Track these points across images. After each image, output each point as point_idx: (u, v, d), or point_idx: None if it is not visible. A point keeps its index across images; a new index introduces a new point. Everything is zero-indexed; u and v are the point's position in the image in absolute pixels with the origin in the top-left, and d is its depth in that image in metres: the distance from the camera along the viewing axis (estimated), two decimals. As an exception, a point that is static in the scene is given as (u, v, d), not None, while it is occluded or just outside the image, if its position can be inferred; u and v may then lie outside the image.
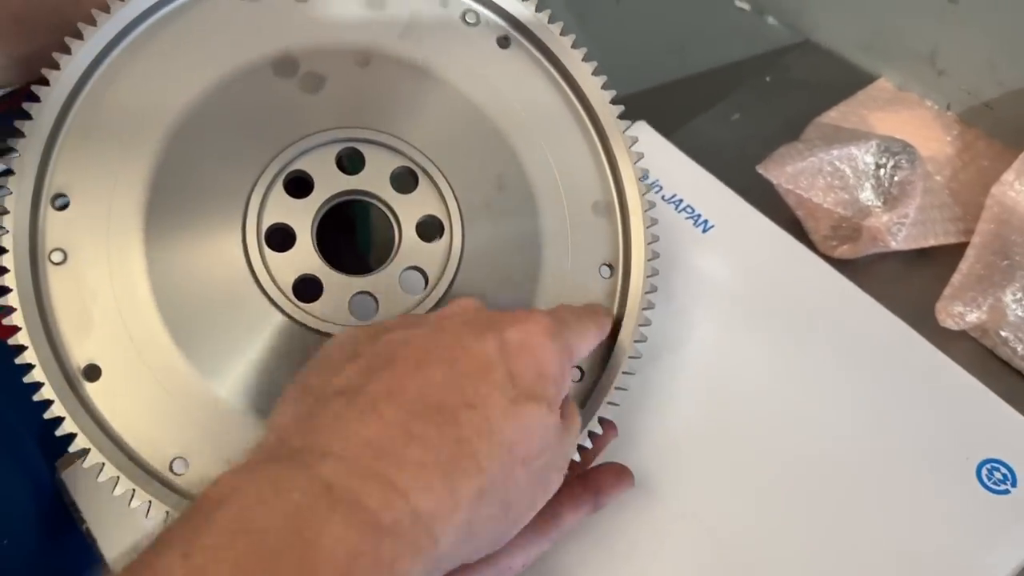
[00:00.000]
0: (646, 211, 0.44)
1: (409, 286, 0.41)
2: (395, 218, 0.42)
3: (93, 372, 0.37)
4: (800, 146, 0.61)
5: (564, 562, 0.44)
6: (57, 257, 0.37)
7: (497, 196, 0.42)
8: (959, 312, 0.56)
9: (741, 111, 0.73)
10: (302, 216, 0.40)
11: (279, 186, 0.40)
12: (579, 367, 0.42)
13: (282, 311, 0.39)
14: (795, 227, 0.61)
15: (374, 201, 0.42)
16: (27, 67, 0.47)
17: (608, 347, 0.42)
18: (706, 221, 0.58)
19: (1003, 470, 0.47)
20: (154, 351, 0.37)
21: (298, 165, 0.40)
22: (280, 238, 0.40)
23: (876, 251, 0.59)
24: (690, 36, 0.87)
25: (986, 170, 0.66)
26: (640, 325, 0.43)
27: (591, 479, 0.43)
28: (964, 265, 0.58)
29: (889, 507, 0.46)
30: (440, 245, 0.41)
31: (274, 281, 0.39)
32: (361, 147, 0.41)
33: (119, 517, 0.48)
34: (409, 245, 0.41)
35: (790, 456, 0.48)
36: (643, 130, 0.62)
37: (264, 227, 0.39)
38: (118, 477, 0.36)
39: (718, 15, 0.82)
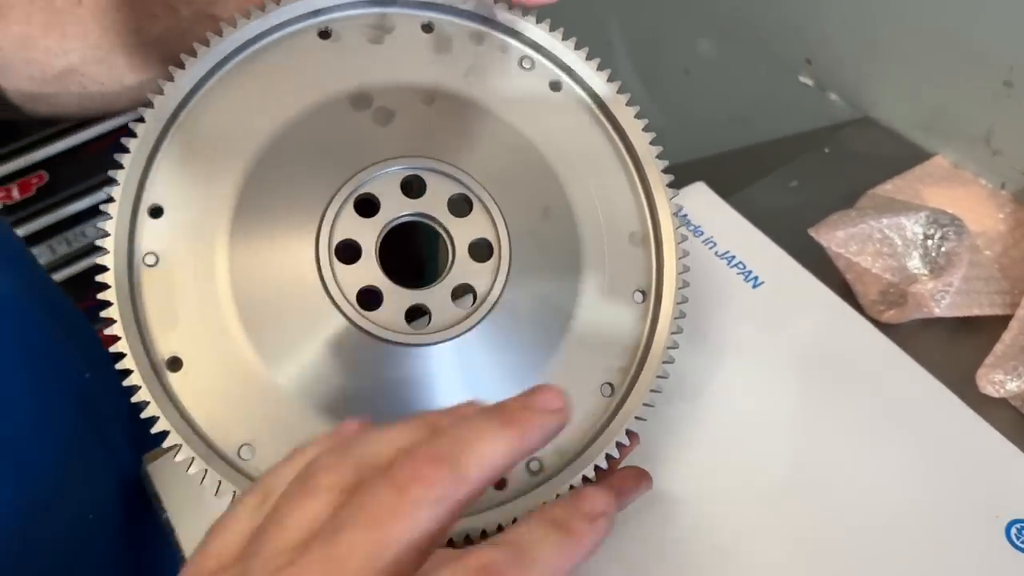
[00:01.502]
0: (679, 243, 0.48)
1: (459, 301, 0.45)
2: (450, 239, 0.46)
3: (175, 363, 0.41)
4: (852, 213, 0.64)
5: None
6: (150, 260, 0.41)
7: (542, 224, 0.47)
8: (1000, 380, 0.58)
9: (799, 179, 0.76)
10: (368, 233, 0.44)
11: (350, 206, 0.44)
12: (609, 383, 0.46)
13: (345, 316, 0.43)
14: (844, 290, 0.64)
15: (432, 223, 0.46)
16: (140, 93, 0.54)
17: (639, 365, 0.46)
18: (756, 277, 0.61)
19: (1033, 531, 0.49)
20: (229, 346, 0.42)
21: (367, 188, 0.44)
22: (348, 252, 0.44)
23: (921, 316, 0.61)
24: (754, 108, 0.92)
25: (1037, 248, 0.68)
26: (668, 348, 0.46)
27: (612, 481, 0.46)
28: (1007, 336, 0.60)
29: (919, 561, 0.48)
30: (489, 266, 0.45)
31: (340, 289, 0.43)
32: (423, 174, 0.45)
33: (196, 509, 0.52)
34: (461, 264, 0.45)
35: (819, 506, 0.50)
36: (701, 190, 0.66)
37: (335, 241, 0.43)
38: (192, 458, 0.40)
39: (782, 89, 0.87)
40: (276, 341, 0.42)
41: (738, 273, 0.61)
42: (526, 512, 0.42)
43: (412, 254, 0.51)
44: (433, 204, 0.46)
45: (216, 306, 0.42)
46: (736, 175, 0.81)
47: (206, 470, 0.40)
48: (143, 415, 0.40)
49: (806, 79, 0.85)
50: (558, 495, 0.43)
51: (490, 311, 0.45)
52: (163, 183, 0.42)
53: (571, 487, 0.43)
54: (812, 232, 0.63)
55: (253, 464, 0.41)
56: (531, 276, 0.46)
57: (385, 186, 0.45)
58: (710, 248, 0.63)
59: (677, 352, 0.47)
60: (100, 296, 0.40)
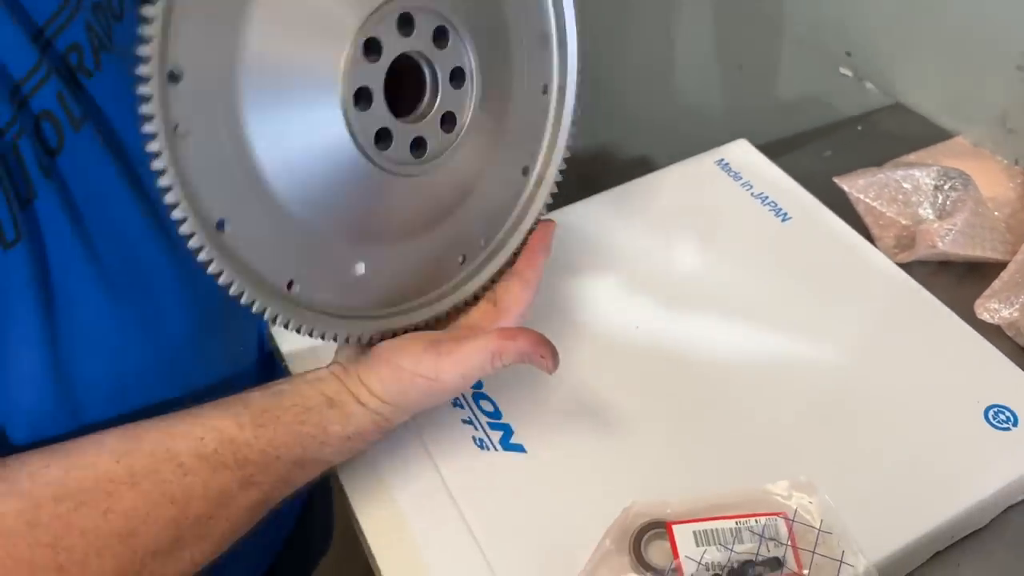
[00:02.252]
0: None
1: (446, 127, 0.51)
2: (434, 70, 0.50)
3: (222, 224, 0.44)
4: (873, 168, 0.74)
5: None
6: (182, 130, 0.41)
7: (490, 45, 0.52)
8: (994, 308, 0.67)
9: (832, 150, 0.86)
10: (376, 76, 0.46)
11: (360, 51, 0.45)
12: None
13: (370, 160, 0.47)
14: (864, 235, 0.73)
15: (421, 58, 0.49)
16: None
17: (548, 152, 0.57)
18: (785, 213, 0.71)
19: (1007, 413, 0.58)
20: (269, 204, 0.45)
21: (372, 33, 0.46)
22: (363, 97, 0.46)
23: (928, 255, 0.70)
24: (799, 98, 1.02)
25: (1042, 212, 0.76)
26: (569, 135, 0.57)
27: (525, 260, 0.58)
28: (1006, 273, 0.69)
29: (918, 440, 0.57)
30: (463, 91, 0.51)
31: (363, 135, 0.46)
32: (412, 12, 0.48)
33: (310, 359, 0.64)
34: (445, 93, 0.51)
35: (826, 396, 0.60)
36: (742, 145, 0.77)
37: (352, 90, 0.45)
38: (254, 300, 0.46)
39: (824, 80, 0.97)
40: (307, 187, 0.46)
41: (769, 210, 0.72)
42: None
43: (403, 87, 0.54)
44: (421, 39, 0.48)
45: (249, 166, 0.44)
46: (776, 145, 0.91)
47: (266, 308, 0.46)
48: (208, 271, 0.44)
49: (846, 70, 0.95)
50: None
51: (465, 132, 0.52)
52: (178, 48, 0.40)
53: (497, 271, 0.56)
54: (836, 179, 0.73)
55: (300, 295, 0.48)
56: (490, 95, 0.53)
57: (385, 27, 0.46)
58: (747, 190, 0.73)
59: (708, 264, 0.57)
60: (152, 165, 0.41)
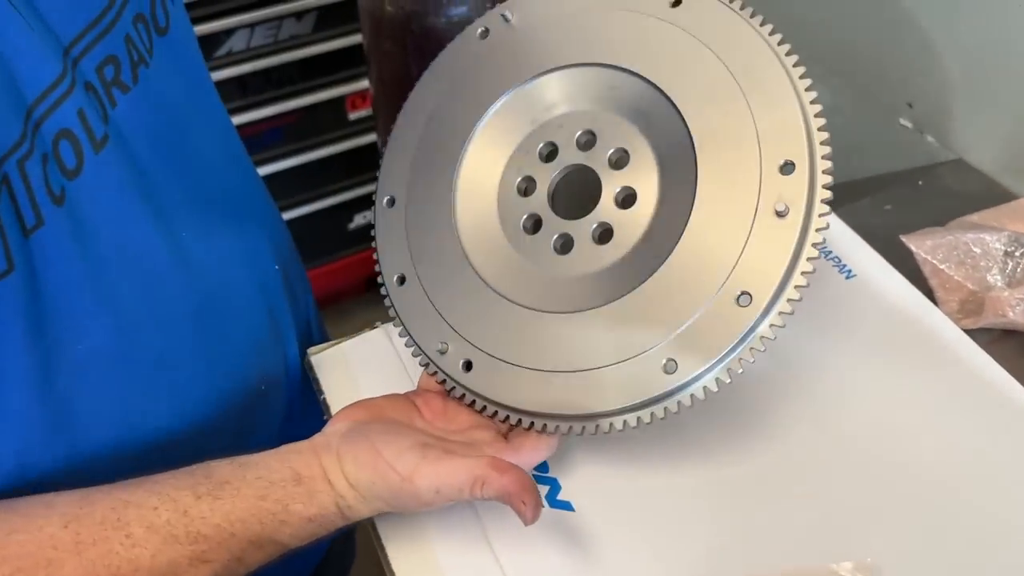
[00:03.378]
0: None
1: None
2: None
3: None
4: (941, 229, 0.72)
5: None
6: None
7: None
8: (1066, 384, 0.64)
9: (893, 204, 0.83)
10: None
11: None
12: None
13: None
14: (928, 297, 0.71)
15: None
16: None
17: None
18: (850, 270, 0.68)
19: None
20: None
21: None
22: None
23: (996, 323, 0.67)
24: (856, 146, 0.99)
25: (1112, 284, 0.73)
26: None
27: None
28: (1076, 348, 0.66)
29: (981, 509, 0.54)
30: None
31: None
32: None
33: (348, 393, 0.62)
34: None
35: (883, 458, 0.57)
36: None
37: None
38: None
39: (884, 130, 0.94)
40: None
41: (833, 266, 0.69)
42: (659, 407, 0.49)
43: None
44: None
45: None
46: (835, 198, 0.88)
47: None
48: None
49: (906, 121, 0.92)
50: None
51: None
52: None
53: (703, 388, 0.48)
54: (903, 238, 0.70)
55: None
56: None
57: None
58: (809, 243, 0.70)
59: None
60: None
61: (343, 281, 1.86)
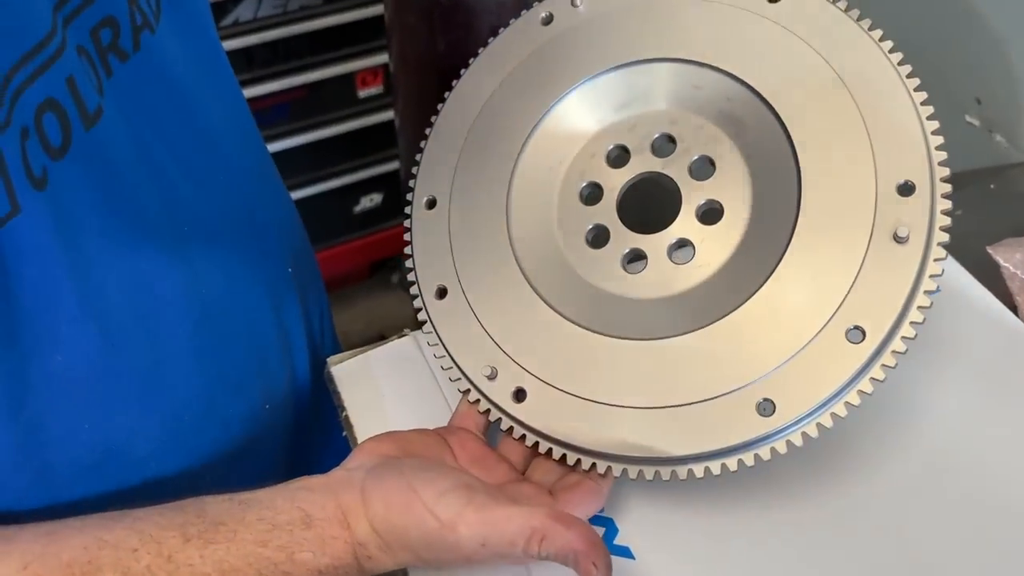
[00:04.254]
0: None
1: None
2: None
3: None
4: (1028, 240, 0.65)
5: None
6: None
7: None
8: None
9: (964, 209, 0.76)
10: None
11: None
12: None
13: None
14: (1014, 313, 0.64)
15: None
16: None
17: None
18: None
19: None
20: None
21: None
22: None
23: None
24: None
25: None
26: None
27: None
28: None
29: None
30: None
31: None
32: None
33: (372, 408, 0.55)
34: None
35: (974, 497, 0.50)
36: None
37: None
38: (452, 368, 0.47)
39: (949, 127, 0.87)
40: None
41: (911, 278, 0.62)
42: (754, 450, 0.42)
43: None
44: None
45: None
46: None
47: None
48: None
49: (973, 119, 0.85)
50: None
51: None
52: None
53: (802, 435, 0.41)
54: (991, 249, 0.64)
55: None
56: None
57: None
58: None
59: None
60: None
61: (347, 266, 1.79)
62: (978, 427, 0.54)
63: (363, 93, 1.53)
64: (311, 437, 0.61)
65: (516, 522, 0.39)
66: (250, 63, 1.42)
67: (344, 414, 0.55)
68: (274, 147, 1.52)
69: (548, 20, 0.51)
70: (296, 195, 1.60)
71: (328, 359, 0.57)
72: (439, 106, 0.52)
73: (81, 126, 0.40)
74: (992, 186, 0.79)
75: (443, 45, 0.98)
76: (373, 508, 0.40)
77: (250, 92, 1.42)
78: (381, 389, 0.56)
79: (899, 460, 0.52)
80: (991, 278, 0.66)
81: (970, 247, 0.68)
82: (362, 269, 1.85)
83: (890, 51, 0.44)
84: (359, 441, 0.53)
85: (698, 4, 0.47)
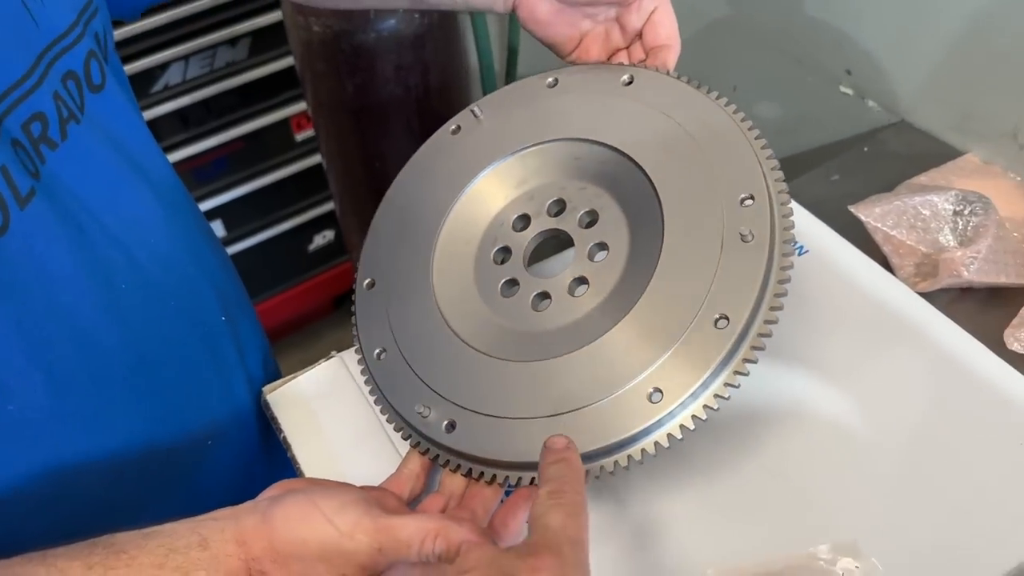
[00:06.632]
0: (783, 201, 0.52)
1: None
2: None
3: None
4: (888, 194, 0.71)
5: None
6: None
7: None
8: (1026, 337, 0.64)
9: (840, 174, 0.83)
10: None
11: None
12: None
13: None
14: (883, 264, 0.70)
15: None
16: None
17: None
18: (801, 246, 0.68)
19: (1051, 453, 0.54)
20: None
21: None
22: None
23: (952, 283, 0.67)
24: (800, 119, 0.99)
25: (1062, 231, 0.74)
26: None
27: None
28: (1033, 300, 0.66)
29: (955, 477, 0.54)
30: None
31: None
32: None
33: (308, 429, 0.60)
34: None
35: (859, 439, 0.56)
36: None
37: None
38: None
39: (825, 99, 0.94)
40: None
41: (784, 243, 0.68)
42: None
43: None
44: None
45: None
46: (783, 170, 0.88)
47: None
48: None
49: (847, 89, 0.92)
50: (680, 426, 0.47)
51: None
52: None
53: (692, 417, 0.47)
54: (852, 208, 0.70)
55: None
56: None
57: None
58: (759, 223, 0.70)
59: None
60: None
61: (309, 303, 1.84)
62: (851, 370, 0.60)
63: (300, 136, 1.59)
64: (260, 466, 0.66)
65: (412, 526, 0.43)
66: (185, 123, 1.47)
67: (283, 436, 0.61)
68: (220, 199, 1.57)
69: (456, 131, 0.61)
70: (249, 241, 1.65)
71: (264, 388, 0.63)
72: (377, 210, 0.62)
73: (16, 206, 0.46)
74: (866, 149, 0.86)
75: (351, 88, 1.04)
76: (273, 524, 0.43)
77: (188, 151, 1.48)
78: (314, 408, 0.62)
79: (780, 409, 0.58)
80: (862, 235, 0.72)
81: (843, 208, 0.75)
82: (325, 305, 1.90)
83: (725, 105, 0.54)
84: (299, 459, 0.59)
85: (571, 95, 0.58)
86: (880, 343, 0.62)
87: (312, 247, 1.76)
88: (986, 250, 0.66)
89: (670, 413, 0.47)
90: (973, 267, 0.66)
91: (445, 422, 0.51)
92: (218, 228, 1.62)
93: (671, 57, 0.58)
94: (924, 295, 0.68)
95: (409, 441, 0.53)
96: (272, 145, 1.58)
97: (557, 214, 0.57)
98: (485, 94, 0.62)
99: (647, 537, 0.52)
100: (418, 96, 1.03)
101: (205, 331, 0.60)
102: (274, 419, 0.62)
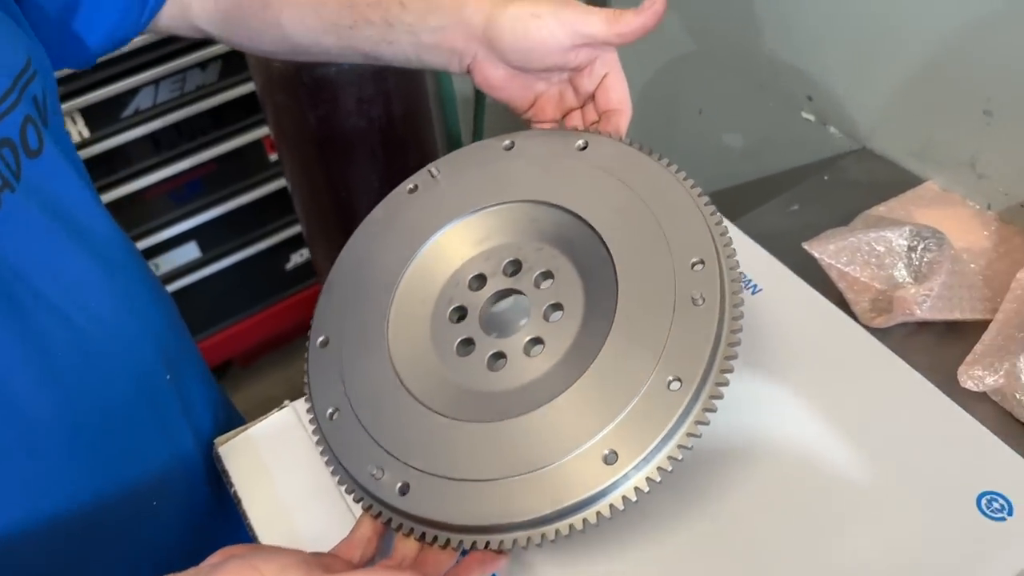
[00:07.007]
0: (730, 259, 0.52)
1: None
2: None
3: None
4: (843, 230, 0.71)
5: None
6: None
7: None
8: (979, 375, 0.64)
9: (800, 203, 0.83)
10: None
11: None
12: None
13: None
14: (839, 301, 0.70)
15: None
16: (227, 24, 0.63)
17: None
18: (755, 285, 0.68)
19: (1001, 501, 0.54)
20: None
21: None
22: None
23: (905, 319, 0.67)
24: (761, 143, 0.99)
25: (1020, 260, 0.74)
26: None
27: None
28: (987, 336, 0.66)
29: (901, 530, 0.54)
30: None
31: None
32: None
33: (259, 483, 0.60)
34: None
35: (808, 486, 0.56)
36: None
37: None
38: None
39: (787, 125, 0.94)
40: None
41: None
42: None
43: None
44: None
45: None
46: (743, 202, 0.88)
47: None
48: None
49: (808, 115, 0.92)
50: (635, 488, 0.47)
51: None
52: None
53: (646, 479, 0.47)
54: (806, 245, 0.70)
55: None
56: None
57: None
58: (714, 261, 0.70)
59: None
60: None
61: (289, 322, 1.84)
62: (809, 414, 0.60)
63: (273, 156, 1.59)
64: (211, 522, 0.66)
65: None
66: (157, 147, 1.47)
67: (233, 490, 0.60)
68: (194, 221, 1.57)
69: (414, 190, 0.61)
70: (225, 262, 1.65)
71: (215, 440, 0.63)
72: (333, 267, 0.61)
73: None
74: (826, 177, 0.86)
75: (313, 120, 1.04)
76: None
77: (161, 174, 1.47)
78: (265, 461, 0.61)
79: (730, 453, 0.58)
80: (818, 271, 0.72)
81: (804, 238, 0.75)
82: (305, 323, 1.89)
83: (675, 172, 0.55)
84: (250, 515, 0.59)
85: (527, 158, 0.59)
86: (832, 383, 0.62)
87: (290, 266, 1.76)
88: (939, 287, 0.66)
89: (625, 475, 0.47)
90: (926, 305, 0.66)
91: (398, 484, 0.50)
92: (193, 250, 1.61)
93: (623, 122, 0.59)
94: (880, 331, 0.68)
95: (361, 504, 0.53)
96: (245, 166, 1.58)
97: (513, 274, 0.57)
98: (447, 122, 0.62)
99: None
100: (382, 126, 1.03)
101: (148, 391, 0.59)
102: (225, 472, 0.61)
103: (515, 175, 0.59)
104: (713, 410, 0.48)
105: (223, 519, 0.66)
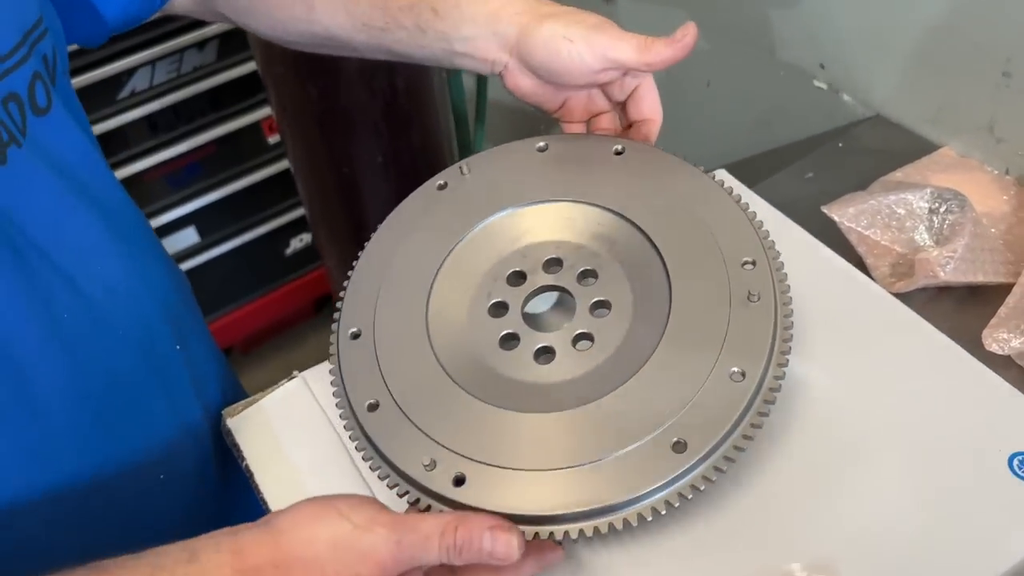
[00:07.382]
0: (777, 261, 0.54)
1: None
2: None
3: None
4: (863, 193, 0.70)
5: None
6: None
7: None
8: (1004, 338, 0.63)
9: (815, 171, 0.82)
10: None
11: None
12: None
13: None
14: (858, 265, 0.69)
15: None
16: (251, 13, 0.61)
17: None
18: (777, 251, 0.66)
19: (1033, 461, 0.53)
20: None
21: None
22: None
23: (928, 283, 0.66)
24: (774, 112, 0.98)
25: (1040, 225, 0.72)
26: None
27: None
28: (1011, 299, 0.65)
29: (929, 487, 0.52)
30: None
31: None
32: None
33: (271, 456, 0.59)
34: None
35: (838, 448, 0.55)
36: (722, 176, 0.72)
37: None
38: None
39: (799, 94, 0.93)
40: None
41: (757, 247, 0.67)
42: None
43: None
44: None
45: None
46: (756, 169, 0.86)
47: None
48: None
49: (820, 83, 0.91)
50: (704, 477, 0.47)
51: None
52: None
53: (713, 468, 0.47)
54: (825, 209, 0.68)
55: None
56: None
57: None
58: (731, 227, 0.68)
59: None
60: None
61: (290, 306, 1.83)
62: (831, 379, 0.59)
63: (272, 139, 1.57)
64: (217, 494, 0.64)
65: (430, 522, 0.43)
66: (154, 129, 1.45)
67: (245, 463, 0.59)
68: (193, 205, 1.55)
69: (443, 186, 0.60)
70: (225, 247, 1.63)
71: (223, 412, 0.61)
72: (354, 262, 0.59)
73: None
74: (840, 144, 0.85)
75: (315, 92, 1.02)
76: (278, 528, 0.42)
77: (158, 157, 1.45)
78: (276, 433, 0.60)
79: (772, 430, 0.57)
80: (837, 236, 0.71)
81: (820, 204, 0.73)
82: (307, 307, 1.88)
83: (707, 173, 0.57)
84: (262, 487, 0.58)
85: (561, 161, 0.59)
86: (855, 348, 0.60)
87: (289, 251, 1.74)
88: (962, 249, 0.65)
89: (694, 465, 0.47)
90: (949, 267, 0.65)
91: (453, 475, 0.49)
92: (192, 234, 1.59)
93: (653, 130, 0.60)
94: (901, 295, 0.66)
95: (406, 498, 0.50)
96: (244, 149, 1.56)
97: (554, 271, 0.57)
98: (454, 98, 0.60)
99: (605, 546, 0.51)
100: (386, 99, 1.01)
101: (157, 362, 0.57)
102: (235, 446, 0.60)
103: (551, 175, 0.59)
104: (772, 402, 0.50)
105: (231, 496, 0.65)
